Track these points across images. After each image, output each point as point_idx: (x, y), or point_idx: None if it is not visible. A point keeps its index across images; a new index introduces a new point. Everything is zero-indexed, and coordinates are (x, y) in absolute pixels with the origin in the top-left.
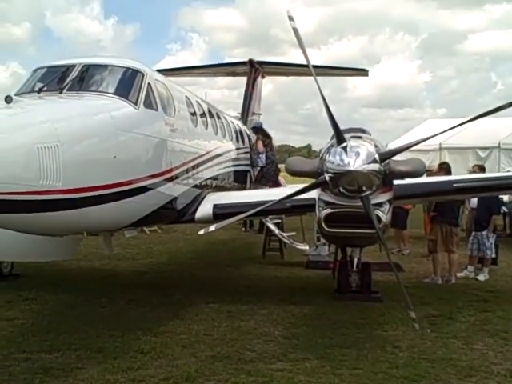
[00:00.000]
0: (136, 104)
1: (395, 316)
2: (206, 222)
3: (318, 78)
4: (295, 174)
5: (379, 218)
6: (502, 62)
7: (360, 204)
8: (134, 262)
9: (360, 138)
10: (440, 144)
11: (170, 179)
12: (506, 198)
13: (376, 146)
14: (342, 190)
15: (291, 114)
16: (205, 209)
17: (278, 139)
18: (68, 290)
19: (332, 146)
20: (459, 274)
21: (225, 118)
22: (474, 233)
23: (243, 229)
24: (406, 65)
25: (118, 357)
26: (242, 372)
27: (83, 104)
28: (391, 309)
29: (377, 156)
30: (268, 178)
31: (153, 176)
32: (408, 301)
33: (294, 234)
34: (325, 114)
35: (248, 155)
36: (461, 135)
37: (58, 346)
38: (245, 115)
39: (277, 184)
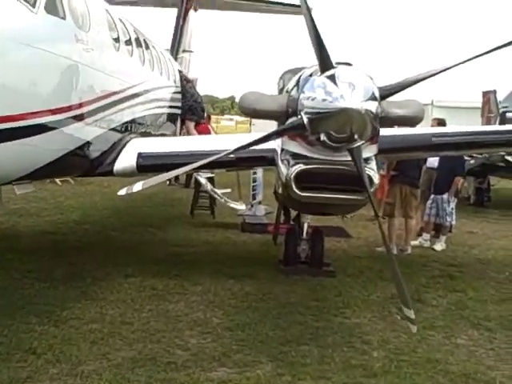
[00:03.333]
0: (33, 6)
1: (354, 297)
2: (128, 175)
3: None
4: (254, 114)
5: (371, 179)
6: None
7: (347, 159)
8: (39, 220)
9: (349, 64)
10: None
11: (80, 117)
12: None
13: (371, 78)
14: (323, 138)
15: (217, 58)
16: (126, 158)
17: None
18: None
19: (311, 75)
20: (413, 243)
21: (154, 49)
22: (432, 196)
23: (167, 182)
24: None
25: None
26: None
27: None
28: (347, 286)
29: (376, 91)
30: (195, 114)
31: (55, 111)
32: (405, 295)
33: (228, 190)
34: (253, 61)
35: (179, 96)
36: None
37: None
38: (174, 52)
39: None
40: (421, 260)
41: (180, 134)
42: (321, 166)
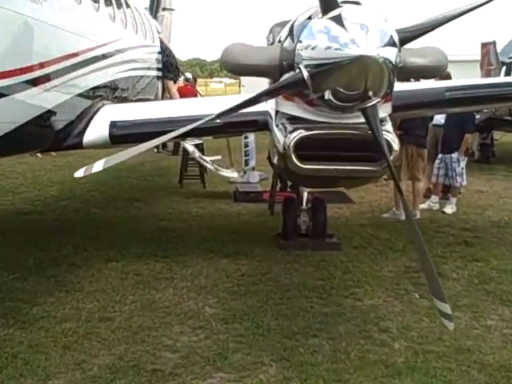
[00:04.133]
0: None
1: (364, 272)
2: (101, 147)
3: None
4: (240, 70)
5: (389, 145)
6: None
7: (357, 121)
8: (15, 197)
9: (358, 4)
10: None
11: (37, 81)
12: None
13: (386, 20)
14: (328, 96)
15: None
16: (97, 128)
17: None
18: None
19: (310, 17)
20: (421, 206)
21: (128, 5)
22: (440, 156)
23: (155, 149)
24: None
25: None
26: None
27: None
28: (355, 260)
29: (395, 35)
30: (170, 71)
31: (5, 74)
32: (437, 284)
33: (219, 157)
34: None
35: (159, 57)
36: None
37: None
38: (154, 10)
39: (192, 93)
40: (432, 226)
41: (163, 99)
42: (326, 132)
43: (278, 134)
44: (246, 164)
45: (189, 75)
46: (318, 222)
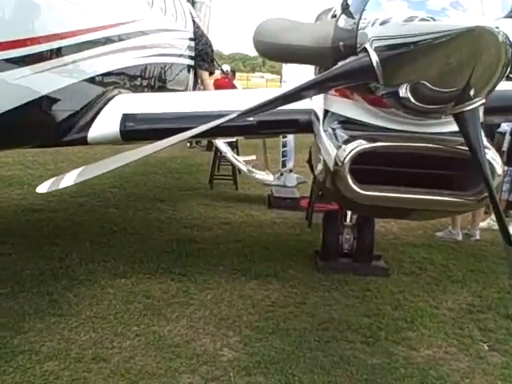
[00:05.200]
0: None
1: (418, 309)
2: (110, 142)
3: None
4: (278, 52)
5: (491, 166)
6: None
7: (446, 131)
8: (30, 191)
9: None
10: None
11: (30, 59)
12: None
13: None
14: (405, 93)
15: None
16: (107, 121)
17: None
18: None
19: None
20: (481, 225)
21: None
22: (506, 168)
23: (188, 144)
24: None
25: None
26: None
27: None
28: (407, 292)
29: None
30: (205, 61)
31: None
32: None
33: (253, 157)
34: None
35: (191, 44)
36: None
37: None
38: None
39: (229, 86)
40: (494, 250)
41: (195, 90)
42: (397, 144)
43: (327, 143)
44: (284, 165)
45: (227, 67)
46: (363, 241)
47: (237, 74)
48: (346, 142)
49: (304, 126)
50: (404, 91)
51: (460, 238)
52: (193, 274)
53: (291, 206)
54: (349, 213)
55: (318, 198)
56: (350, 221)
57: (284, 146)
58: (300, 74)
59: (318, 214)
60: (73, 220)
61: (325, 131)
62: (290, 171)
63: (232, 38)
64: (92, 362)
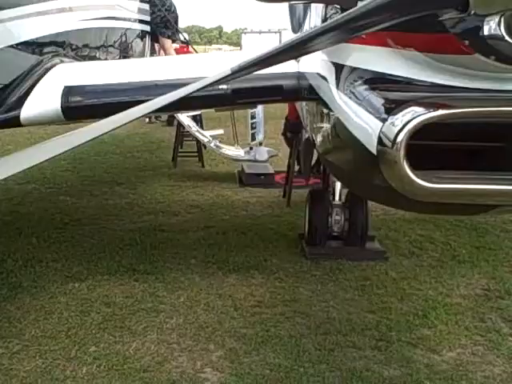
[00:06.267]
0: None
1: (429, 299)
2: (49, 122)
3: None
4: None
5: None
6: None
7: None
8: None
9: None
10: None
11: None
12: None
13: None
14: (499, 30)
15: None
16: (44, 96)
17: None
18: None
19: None
20: None
21: None
22: None
23: (147, 119)
24: None
25: None
26: None
27: None
28: (411, 278)
29: None
30: (168, 28)
31: None
32: None
33: (221, 132)
34: None
35: (146, 7)
36: None
37: None
38: None
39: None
40: (494, 222)
41: None
42: (482, 110)
43: (358, 113)
44: (253, 138)
45: (186, 36)
46: (357, 222)
47: (194, 47)
48: (396, 110)
49: (289, 93)
50: (496, 25)
51: None
52: (160, 271)
53: (265, 183)
54: (337, 190)
55: (295, 173)
56: (340, 199)
57: (253, 117)
58: (261, 44)
59: (296, 190)
60: (18, 212)
61: (348, 97)
62: (260, 144)
63: (187, 11)
64: None
